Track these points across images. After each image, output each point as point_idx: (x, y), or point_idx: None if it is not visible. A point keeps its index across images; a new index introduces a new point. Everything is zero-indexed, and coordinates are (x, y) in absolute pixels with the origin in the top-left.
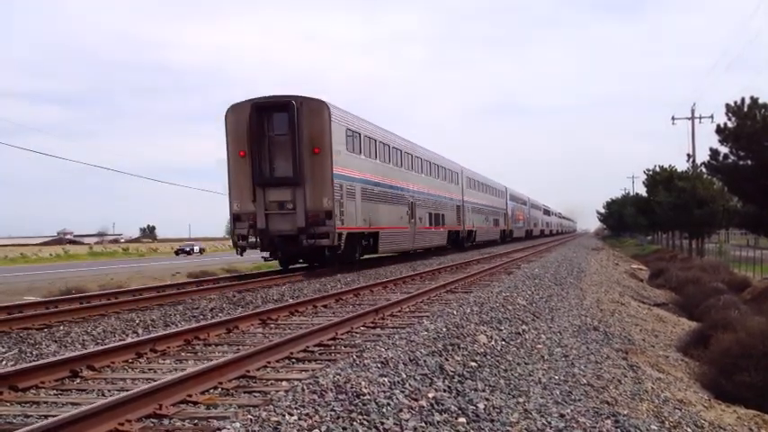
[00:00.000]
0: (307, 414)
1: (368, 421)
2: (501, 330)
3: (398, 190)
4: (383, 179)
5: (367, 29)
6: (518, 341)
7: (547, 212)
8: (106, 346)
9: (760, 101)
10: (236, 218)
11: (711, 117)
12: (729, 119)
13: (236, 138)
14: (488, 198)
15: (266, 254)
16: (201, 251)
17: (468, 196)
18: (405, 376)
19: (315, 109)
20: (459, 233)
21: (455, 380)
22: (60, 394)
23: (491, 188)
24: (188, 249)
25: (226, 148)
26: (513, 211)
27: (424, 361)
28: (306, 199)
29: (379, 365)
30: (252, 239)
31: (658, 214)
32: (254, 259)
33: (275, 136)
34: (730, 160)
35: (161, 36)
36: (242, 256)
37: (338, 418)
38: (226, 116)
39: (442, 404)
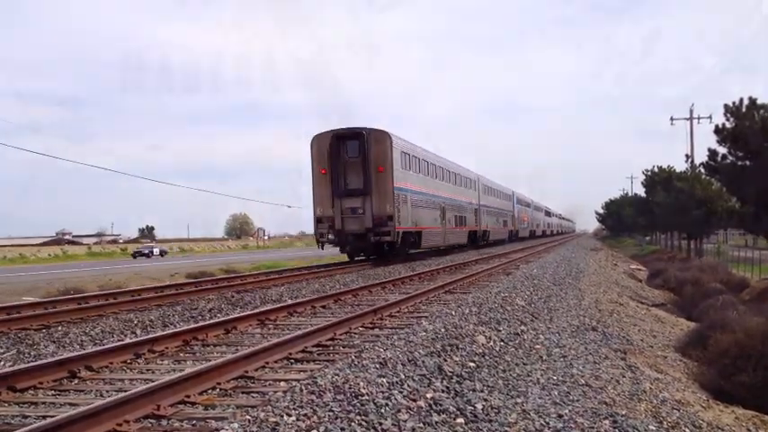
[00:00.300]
0: (305, 414)
1: (366, 422)
2: (499, 331)
3: (434, 197)
4: (424, 189)
5: (367, 28)
6: (516, 342)
7: (548, 214)
8: (104, 347)
9: (758, 101)
10: (318, 220)
11: (710, 118)
12: (728, 119)
13: (319, 159)
14: (499, 202)
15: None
16: (163, 254)
17: (483, 200)
18: (403, 377)
19: (379, 137)
20: (477, 233)
21: (453, 380)
22: (58, 395)
23: (501, 192)
24: (146, 252)
25: (311, 167)
26: (519, 213)
27: (423, 361)
28: (373, 206)
29: (377, 366)
30: (330, 237)
31: (657, 215)
32: (255, 259)
33: (349, 158)
34: (728, 161)
35: (161, 36)
36: (323, 249)
37: (336, 418)
38: (311, 143)
39: (441, 405)
